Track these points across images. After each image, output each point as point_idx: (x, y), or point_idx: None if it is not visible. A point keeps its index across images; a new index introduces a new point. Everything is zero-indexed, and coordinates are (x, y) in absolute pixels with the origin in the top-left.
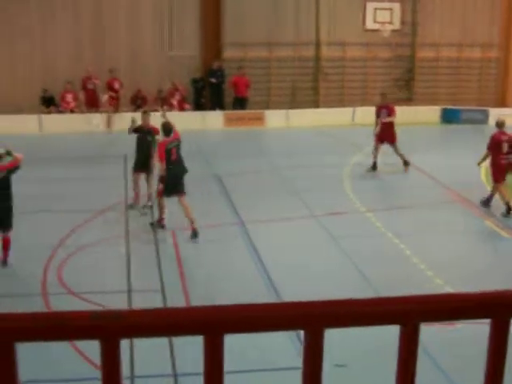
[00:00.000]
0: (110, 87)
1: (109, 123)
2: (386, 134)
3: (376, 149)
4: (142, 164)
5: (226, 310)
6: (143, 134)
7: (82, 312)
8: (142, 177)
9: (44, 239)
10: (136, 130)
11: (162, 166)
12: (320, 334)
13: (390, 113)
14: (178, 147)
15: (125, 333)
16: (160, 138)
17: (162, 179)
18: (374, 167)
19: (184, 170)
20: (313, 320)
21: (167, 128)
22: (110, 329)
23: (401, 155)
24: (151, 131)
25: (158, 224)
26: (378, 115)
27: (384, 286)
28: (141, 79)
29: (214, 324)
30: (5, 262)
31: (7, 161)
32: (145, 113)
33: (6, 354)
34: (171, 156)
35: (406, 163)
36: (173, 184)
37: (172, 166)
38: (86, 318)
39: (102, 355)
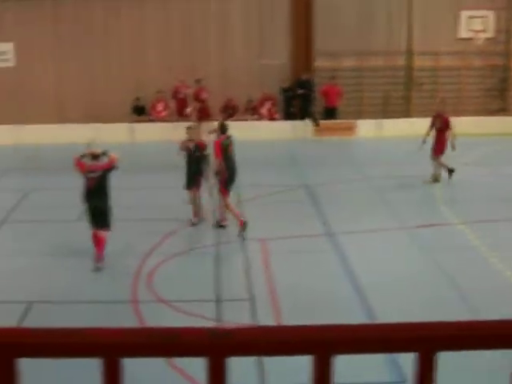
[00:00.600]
0: (197, 97)
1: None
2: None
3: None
4: (193, 180)
5: (337, 329)
6: (191, 150)
7: (199, 329)
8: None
9: (135, 247)
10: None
11: (219, 161)
12: None
13: (444, 124)
14: (232, 144)
15: (233, 351)
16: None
17: (219, 173)
18: (451, 174)
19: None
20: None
21: (224, 127)
22: (219, 346)
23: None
24: (199, 147)
25: (218, 224)
26: (432, 125)
27: (479, 301)
28: (231, 88)
29: (324, 344)
30: (99, 260)
31: (103, 161)
32: (190, 128)
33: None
34: (227, 153)
35: (436, 179)
36: (231, 179)
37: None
38: (203, 335)
39: (209, 373)
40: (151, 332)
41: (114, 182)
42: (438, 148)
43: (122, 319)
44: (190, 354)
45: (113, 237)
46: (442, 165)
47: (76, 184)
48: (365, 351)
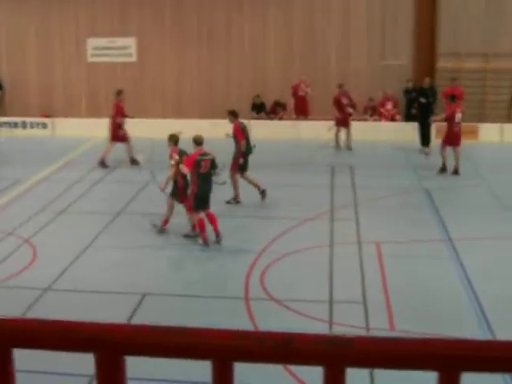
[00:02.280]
0: (294, 93)
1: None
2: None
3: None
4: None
5: (465, 344)
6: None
7: (315, 336)
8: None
9: (250, 244)
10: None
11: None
12: None
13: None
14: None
15: (353, 361)
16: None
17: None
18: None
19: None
20: None
21: (234, 114)
22: (339, 355)
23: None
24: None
25: (234, 200)
26: None
27: None
28: (351, 88)
29: (450, 360)
30: (218, 235)
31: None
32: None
33: None
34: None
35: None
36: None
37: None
38: (319, 341)
39: (326, 382)
40: (264, 336)
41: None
42: None
43: (233, 316)
44: (304, 361)
45: (229, 233)
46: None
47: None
48: (494, 370)
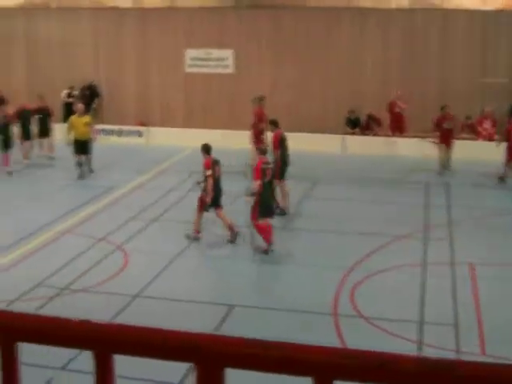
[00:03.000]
0: (391, 110)
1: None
2: None
3: None
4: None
5: None
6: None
7: (416, 358)
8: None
9: (337, 260)
10: None
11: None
12: None
13: None
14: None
15: None
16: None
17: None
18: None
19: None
20: None
21: (275, 123)
22: (441, 379)
23: None
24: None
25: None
26: None
27: None
28: (449, 104)
29: None
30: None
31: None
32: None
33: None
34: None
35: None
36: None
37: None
38: (420, 364)
39: None
40: (365, 355)
41: (321, 192)
42: None
43: (321, 331)
44: (403, 383)
45: (318, 248)
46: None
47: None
48: None
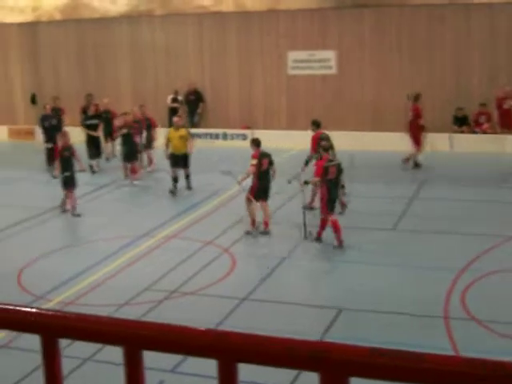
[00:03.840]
0: (499, 106)
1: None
2: None
3: None
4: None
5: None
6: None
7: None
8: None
9: (446, 262)
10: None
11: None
12: None
13: None
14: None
15: None
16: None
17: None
18: None
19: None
20: None
21: (317, 123)
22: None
23: None
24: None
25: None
26: None
27: None
28: None
29: None
30: (341, 245)
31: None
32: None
33: None
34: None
35: None
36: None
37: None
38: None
39: None
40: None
41: (428, 192)
42: None
43: (432, 335)
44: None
45: (426, 249)
46: None
47: (386, 192)
48: None
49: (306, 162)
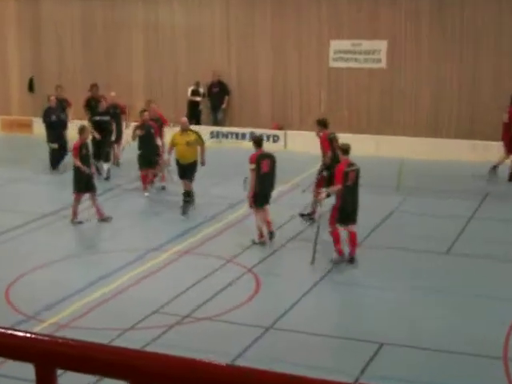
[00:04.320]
0: None
1: None
2: None
3: None
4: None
5: None
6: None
7: None
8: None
9: (504, 291)
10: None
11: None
12: None
13: None
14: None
15: None
16: None
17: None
18: None
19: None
20: None
21: (324, 122)
22: None
23: None
24: None
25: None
26: None
27: None
28: None
29: None
30: (353, 259)
31: None
32: None
33: None
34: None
35: None
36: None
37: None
38: None
39: None
40: None
41: (492, 210)
42: None
43: (487, 377)
44: None
45: (480, 276)
46: None
47: (442, 208)
48: None
49: (321, 170)
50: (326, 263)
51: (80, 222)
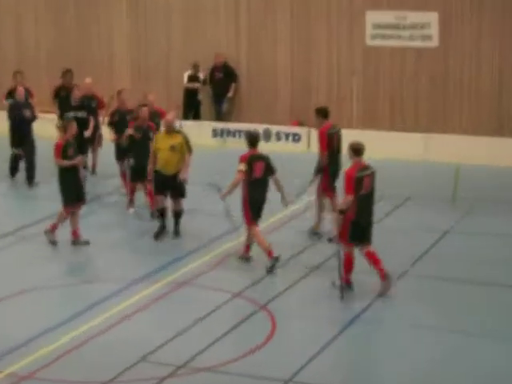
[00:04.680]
0: None
1: None
2: None
3: None
4: None
5: None
6: None
7: None
8: None
9: None
10: None
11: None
12: None
13: None
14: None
15: None
16: None
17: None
18: None
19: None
20: None
21: (324, 111)
22: None
23: None
24: None
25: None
26: None
27: None
28: None
29: None
30: (386, 275)
31: None
32: None
33: None
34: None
35: None
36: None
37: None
38: None
39: None
40: None
41: None
42: None
43: None
44: None
45: None
46: None
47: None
48: None
49: (318, 171)
50: (360, 297)
51: (54, 242)
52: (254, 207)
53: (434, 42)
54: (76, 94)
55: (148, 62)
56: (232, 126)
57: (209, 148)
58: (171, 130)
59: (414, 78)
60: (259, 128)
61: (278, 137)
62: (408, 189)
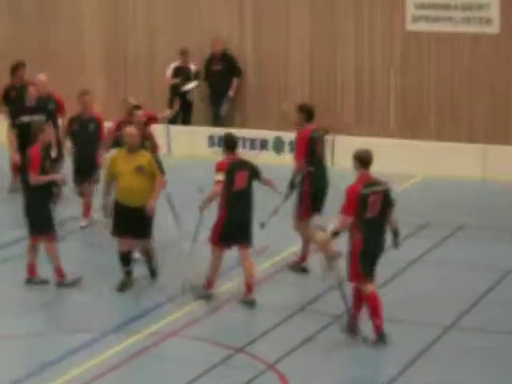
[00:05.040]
0: None
1: None
2: None
3: None
4: None
5: None
6: None
7: None
8: None
9: None
10: None
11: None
12: None
13: None
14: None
15: None
16: None
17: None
18: None
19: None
20: None
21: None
22: None
23: None
24: None
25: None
26: None
27: None
28: None
29: None
30: (383, 336)
31: None
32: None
33: None
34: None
35: None
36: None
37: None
38: None
39: None
40: None
41: None
42: None
43: None
44: None
45: None
46: None
47: None
48: None
49: (292, 185)
50: (400, 352)
51: (45, 282)
52: (230, 227)
53: (495, 28)
54: (31, 95)
55: (125, 51)
56: (233, 132)
57: (203, 160)
58: (134, 148)
59: (469, 72)
60: (269, 136)
61: (292, 147)
62: (460, 215)
